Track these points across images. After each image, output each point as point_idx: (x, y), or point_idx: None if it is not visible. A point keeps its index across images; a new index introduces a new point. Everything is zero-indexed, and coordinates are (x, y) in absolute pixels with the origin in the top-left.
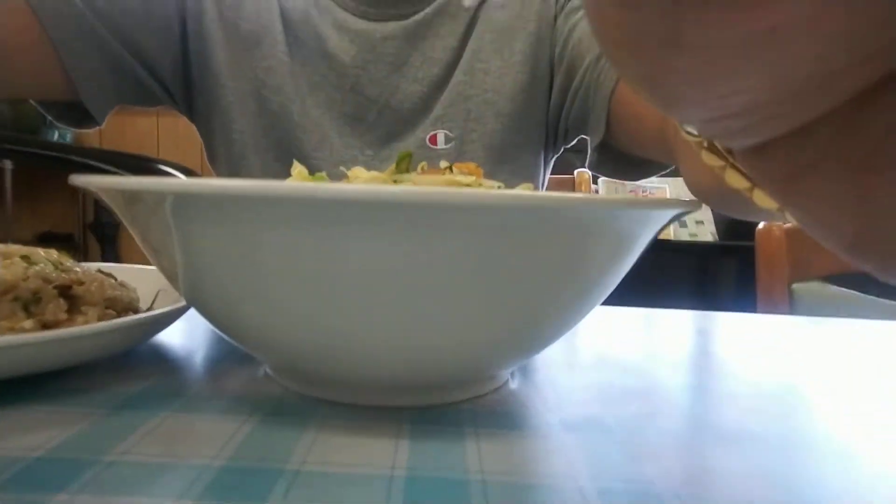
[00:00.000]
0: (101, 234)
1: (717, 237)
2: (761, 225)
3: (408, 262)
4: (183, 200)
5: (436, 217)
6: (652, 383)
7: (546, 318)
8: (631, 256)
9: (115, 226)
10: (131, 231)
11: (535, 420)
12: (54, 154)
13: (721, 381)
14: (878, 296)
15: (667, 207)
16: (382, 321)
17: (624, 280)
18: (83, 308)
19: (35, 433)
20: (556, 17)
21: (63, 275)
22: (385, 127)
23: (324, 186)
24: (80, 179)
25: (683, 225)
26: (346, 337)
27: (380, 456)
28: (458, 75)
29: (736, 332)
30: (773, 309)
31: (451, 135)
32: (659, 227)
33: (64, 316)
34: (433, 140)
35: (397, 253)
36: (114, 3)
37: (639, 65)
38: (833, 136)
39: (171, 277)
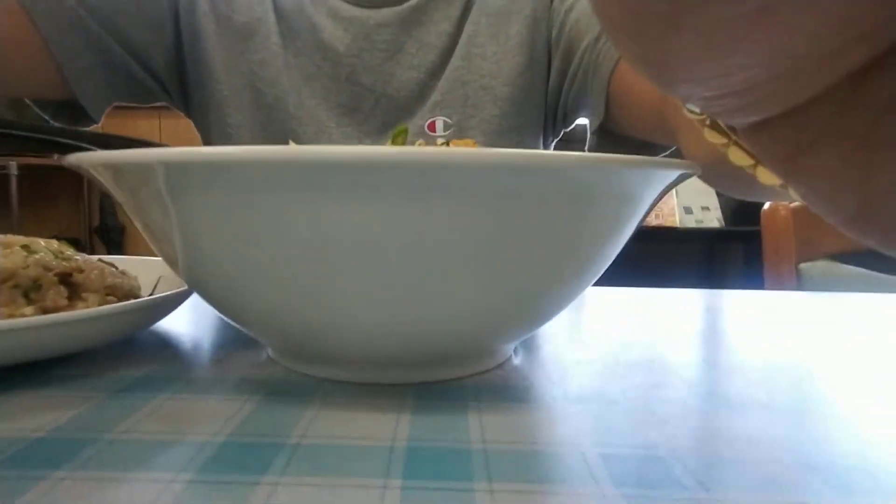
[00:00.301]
0: (107, 238)
1: (723, 223)
2: (767, 205)
3: (403, 227)
4: (175, 169)
5: (432, 178)
6: (657, 357)
7: (548, 286)
8: (633, 221)
9: (121, 229)
10: (131, 216)
11: (538, 393)
12: (45, 137)
13: (727, 354)
14: (886, 272)
15: (670, 168)
16: (381, 290)
17: (631, 267)
18: (83, 295)
19: (36, 416)
20: (551, 0)
21: (63, 263)
22: (382, 115)
23: (316, 148)
24: (73, 158)
25: (689, 212)
26: (346, 308)
27: (381, 429)
28: (455, 61)
29: (743, 308)
30: (781, 289)
31: (449, 121)
32: (661, 188)
33: (64, 302)
34: (432, 127)
35: (393, 217)
36: (106, 1)
37: (640, 45)
38: (833, 113)
39: (173, 263)
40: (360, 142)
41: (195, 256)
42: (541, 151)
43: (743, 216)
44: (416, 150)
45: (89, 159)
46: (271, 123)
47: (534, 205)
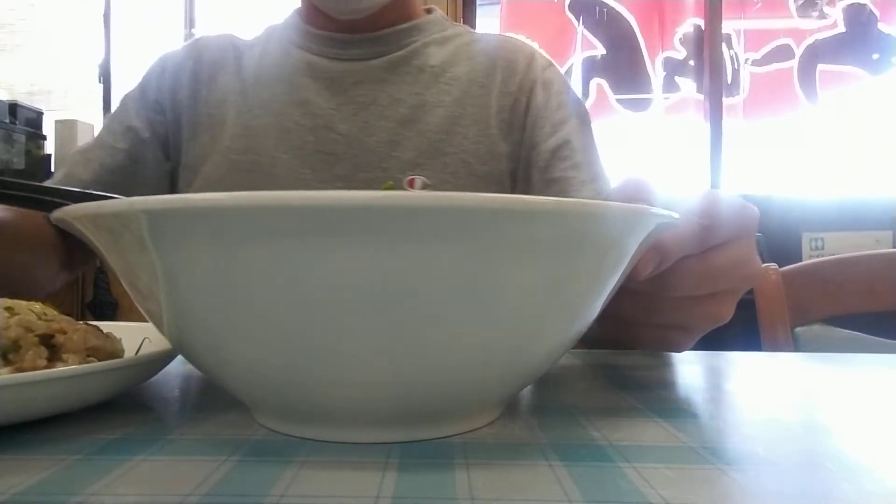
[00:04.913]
0: (99, 314)
1: None
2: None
3: (384, 274)
4: (157, 217)
5: (424, 223)
6: (656, 413)
7: (534, 336)
8: (617, 269)
9: (114, 305)
10: (117, 272)
11: (530, 450)
12: (33, 195)
13: (727, 410)
14: (880, 336)
15: (651, 216)
16: (363, 340)
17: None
18: (64, 356)
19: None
20: (526, 113)
21: (46, 324)
22: (353, 158)
23: (295, 193)
24: (58, 213)
25: None
26: (329, 362)
27: (364, 487)
28: (440, 134)
29: (740, 368)
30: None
31: (428, 182)
32: (643, 236)
33: (43, 363)
34: (411, 184)
35: (374, 264)
36: (104, 167)
37: None
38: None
39: (158, 322)
40: (333, 185)
41: (179, 309)
42: (532, 197)
43: None
44: (403, 194)
45: (73, 212)
46: (246, 182)
47: (519, 251)
